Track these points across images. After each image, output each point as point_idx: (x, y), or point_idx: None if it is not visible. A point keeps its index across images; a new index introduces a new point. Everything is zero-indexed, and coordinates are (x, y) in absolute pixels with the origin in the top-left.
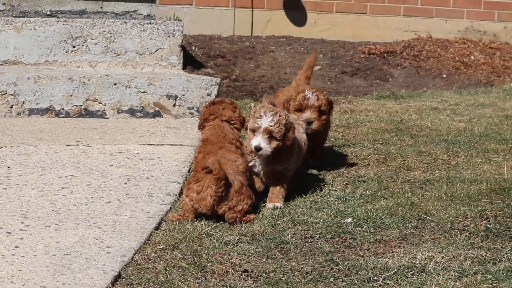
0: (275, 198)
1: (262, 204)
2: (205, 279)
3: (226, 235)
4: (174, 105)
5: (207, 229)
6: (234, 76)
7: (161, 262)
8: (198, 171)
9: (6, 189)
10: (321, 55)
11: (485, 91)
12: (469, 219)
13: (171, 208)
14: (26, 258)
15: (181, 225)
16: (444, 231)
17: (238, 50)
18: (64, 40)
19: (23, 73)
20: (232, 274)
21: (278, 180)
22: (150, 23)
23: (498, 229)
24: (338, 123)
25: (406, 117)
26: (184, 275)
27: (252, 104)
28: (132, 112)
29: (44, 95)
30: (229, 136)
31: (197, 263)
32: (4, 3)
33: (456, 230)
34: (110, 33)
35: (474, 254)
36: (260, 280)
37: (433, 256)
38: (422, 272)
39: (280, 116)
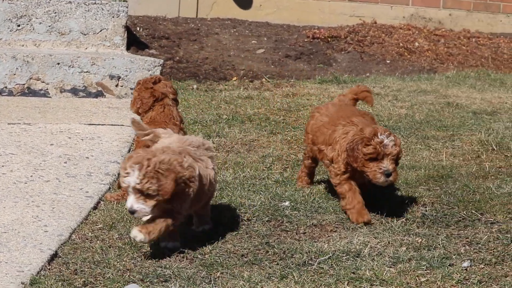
0: (150, 227)
1: None
2: (141, 259)
3: None
4: (116, 86)
5: None
6: (178, 58)
7: (98, 241)
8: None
9: None
10: (265, 38)
11: (428, 78)
12: (406, 205)
13: (110, 188)
14: None
15: (119, 205)
16: (380, 217)
17: (182, 32)
18: (9, 19)
19: None
20: (168, 255)
21: (164, 213)
22: (94, 3)
23: (435, 216)
24: (279, 106)
25: None
26: (120, 255)
27: (195, 86)
28: (74, 91)
29: None
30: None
31: (133, 244)
32: None
33: (392, 216)
34: (55, 12)
35: (409, 240)
36: (195, 261)
37: (369, 242)
38: (357, 257)
39: (148, 167)
